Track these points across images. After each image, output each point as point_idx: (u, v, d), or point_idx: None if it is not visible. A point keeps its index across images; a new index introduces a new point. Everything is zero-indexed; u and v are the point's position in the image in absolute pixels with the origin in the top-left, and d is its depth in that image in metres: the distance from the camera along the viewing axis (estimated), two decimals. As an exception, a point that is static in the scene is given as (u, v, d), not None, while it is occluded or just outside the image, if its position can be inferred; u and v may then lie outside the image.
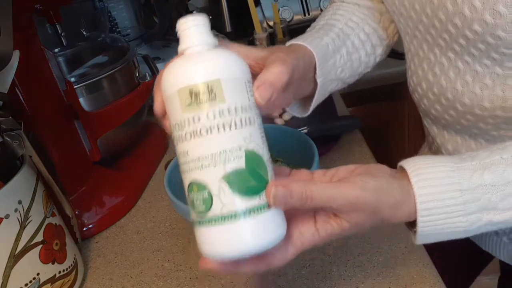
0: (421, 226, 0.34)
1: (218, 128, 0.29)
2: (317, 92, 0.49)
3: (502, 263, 0.62)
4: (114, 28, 1.02)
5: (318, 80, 0.48)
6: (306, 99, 0.50)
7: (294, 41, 0.49)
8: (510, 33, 0.37)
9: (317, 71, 0.48)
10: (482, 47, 0.40)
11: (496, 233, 0.56)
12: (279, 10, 1.19)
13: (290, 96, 0.45)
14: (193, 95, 0.29)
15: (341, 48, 0.53)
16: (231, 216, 0.29)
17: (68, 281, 0.50)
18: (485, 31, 0.38)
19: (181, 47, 0.32)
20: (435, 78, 0.48)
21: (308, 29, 0.55)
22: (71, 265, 0.51)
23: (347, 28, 0.55)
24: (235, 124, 0.30)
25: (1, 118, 0.46)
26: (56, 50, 0.68)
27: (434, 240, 0.36)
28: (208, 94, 0.29)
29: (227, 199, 0.29)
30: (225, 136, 0.30)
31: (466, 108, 0.46)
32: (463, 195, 0.33)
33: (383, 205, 0.34)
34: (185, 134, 0.30)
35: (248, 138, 0.31)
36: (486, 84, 0.43)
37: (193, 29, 0.32)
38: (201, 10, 1.43)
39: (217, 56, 0.31)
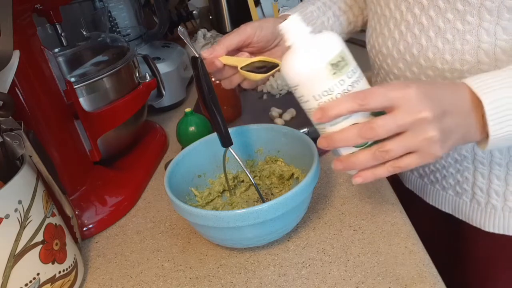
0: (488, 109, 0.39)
1: (357, 82, 0.41)
2: None
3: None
4: (114, 28, 1.01)
5: None
6: None
7: (281, 14, 0.65)
8: None
9: None
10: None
11: (443, 187, 0.64)
12: (279, 10, 1.19)
13: None
14: (334, 66, 0.40)
15: (327, 12, 0.66)
16: None
17: (68, 281, 0.50)
18: None
19: (289, 42, 0.42)
20: (401, 36, 0.54)
21: None
22: (71, 265, 0.51)
23: None
24: (359, 76, 0.41)
25: (1, 118, 0.46)
26: (56, 50, 0.68)
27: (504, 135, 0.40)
28: (343, 61, 0.40)
29: None
30: (361, 85, 0.41)
31: (429, 63, 0.52)
32: None
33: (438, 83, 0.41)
34: (335, 96, 0.40)
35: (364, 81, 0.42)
36: (447, 39, 0.49)
37: (296, 25, 0.41)
38: (201, 10, 1.43)
39: (326, 36, 0.41)
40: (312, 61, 0.40)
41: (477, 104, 0.39)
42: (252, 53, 0.57)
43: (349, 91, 0.40)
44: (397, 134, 0.39)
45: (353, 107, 0.38)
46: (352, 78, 0.40)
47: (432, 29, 0.50)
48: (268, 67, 0.51)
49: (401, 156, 0.40)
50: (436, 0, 0.48)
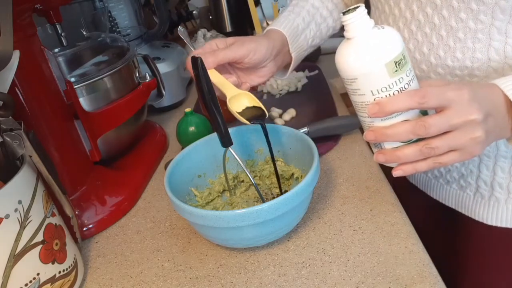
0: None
1: (412, 80, 0.42)
2: (292, 63, 0.66)
3: None
4: (114, 28, 1.01)
5: (293, 55, 0.65)
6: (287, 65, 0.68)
7: (270, 27, 0.65)
8: None
9: (290, 48, 0.64)
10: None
11: (447, 181, 0.65)
12: (279, 10, 1.19)
13: (273, 68, 0.62)
14: (397, 64, 0.41)
15: (311, 23, 0.67)
16: None
17: (68, 281, 0.50)
18: None
19: (352, 34, 0.41)
20: (410, 35, 0.55)
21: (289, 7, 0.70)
22: (71, 265, 0.51)
23: (317, 2, 0.68)
24: (413, 75, 0.43)
25: (1, 118, 0.46)
26: (56, 50, 0.68)
27: None
28: (404, 59, 0.41)
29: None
30: (415, 83, 0.42)
31: (439, 61, 0.53)
32: None
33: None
34: (393, 93, 0.41)
35: (416, 80, 0.44)
36: (459, 37, 0.50)
37: (361, 19, 0.41)
38: (201, 10, 1.43)
39: (390, 33, 0.42)
40: (376, 57, 0.40)
41: (510, 106, 0.42)
42: (240, 70, 0.60)
43: (405, 89, 0.41)
44: (444, 133, 0.40)
45: (412, 105, 0.40)
46: (409, 77, 0.42)
47: (444, 28, 0.51)
48: (257, 111, 0.54)
49: (443, 153, 0.41)
50: (450, 0, 0.49)
